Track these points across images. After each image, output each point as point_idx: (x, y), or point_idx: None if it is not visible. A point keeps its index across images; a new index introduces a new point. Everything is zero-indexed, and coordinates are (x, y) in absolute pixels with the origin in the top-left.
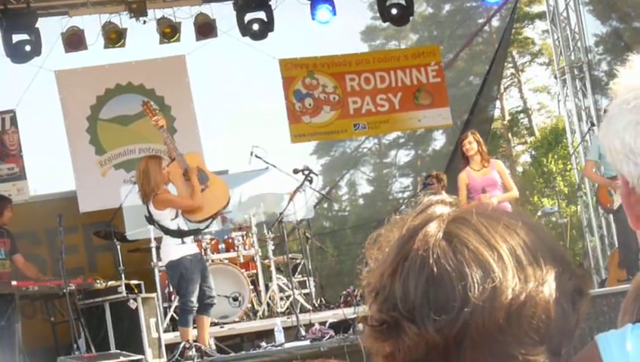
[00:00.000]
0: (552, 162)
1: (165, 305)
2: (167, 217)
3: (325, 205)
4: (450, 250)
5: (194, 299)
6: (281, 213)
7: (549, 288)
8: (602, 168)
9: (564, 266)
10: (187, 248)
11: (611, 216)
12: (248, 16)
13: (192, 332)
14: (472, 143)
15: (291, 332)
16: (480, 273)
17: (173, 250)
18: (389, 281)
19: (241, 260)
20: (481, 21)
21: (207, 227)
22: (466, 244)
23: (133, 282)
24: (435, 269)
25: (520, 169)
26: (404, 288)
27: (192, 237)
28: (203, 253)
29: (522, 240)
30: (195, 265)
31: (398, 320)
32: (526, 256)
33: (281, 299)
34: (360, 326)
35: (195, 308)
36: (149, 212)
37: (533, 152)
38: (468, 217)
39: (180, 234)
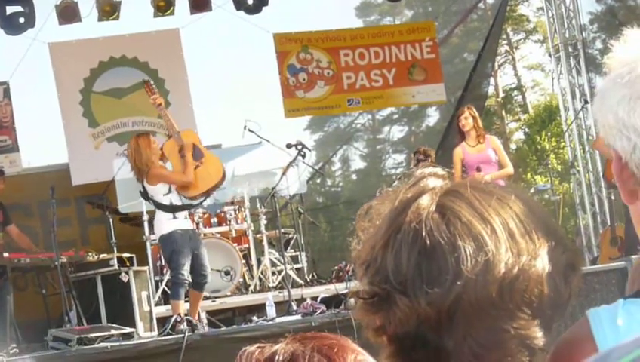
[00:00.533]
0: (546, 140)
1: (157, 278)
2: (159, 192)
3: (318, 180)
4: (443, 222)
5: (184, 272)
6: (273, 188)
7: (541, 262)
8: None
9: (557, 240)
10: (178, 223)
11: (612, 191)
12: None
13: (184, 306)
14: (467, 118)
15: (283, 307)
16: (473, 246)
17: (165, 224)
18: (381, 253)
19: (234, 234)
20: None
21: (200, 203)
22: (459, 217)
23: (125, 255)
24: (427, 242)
25: (513, 146)
26: (396, 260)
27: (185, 212)
28: (195, 227)
29: (515, 213)
30: (185, 240)
31: (390, 293)
32: (519, 230)
33: (273, 273)
34: (351, 300)
35: (187, 282)
36: (143, 188)
37: (526, 130)
38: (461, 190)
39: (172, 209)
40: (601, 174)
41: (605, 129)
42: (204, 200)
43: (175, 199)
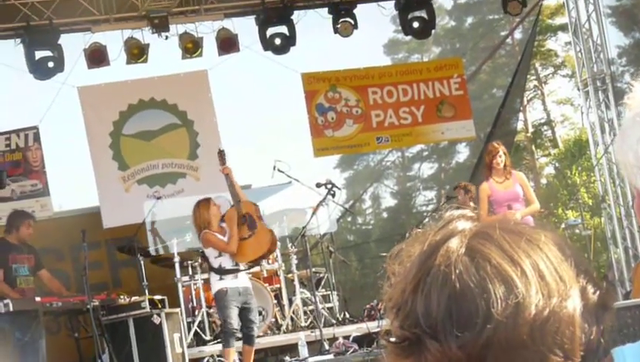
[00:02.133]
0: (576, 174)
1: (189, 319)
2: (211, 255)
3: (349, 219)
4: (473, 265)
5: (232, 322)
6: (304, 227)
7: (572, 303)
8: None
9: (587, 280)
10: (226, 283)
11: None
12: (270, 31)
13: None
14: (502, 157)
15: (315, 347)
16: (503, 289)
17: (215, 284)
18: (411, 297)
19: (265, 274)
20: (503, 33)
21: (250, 268)
22: (488, 260)
23: (157, 297)
24: (457, 285)
25: (544, 181)
26: (426, 304)
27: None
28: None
29: (545, 254)
30: (233, 296)
31: (420, 337)
32: (549, 271)
33: (305, 313)
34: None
35: (235, 330)
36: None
37: (556, 164)
38: (490, 232)
39: (219, 271)
40: (632, 209)
41: (626, 167)
42: (252, 266)
43: (225, 262)
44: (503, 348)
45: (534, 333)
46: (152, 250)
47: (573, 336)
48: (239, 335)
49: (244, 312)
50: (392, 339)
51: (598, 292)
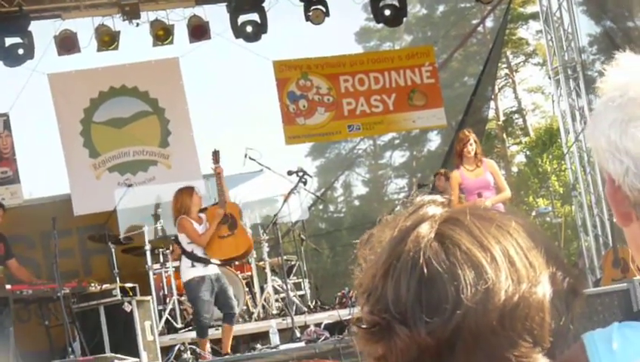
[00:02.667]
0: (547, 162)
1: (160, 307)
2: (184, 240)
3: (321, 206)
4: (443, 251)
5: (206, 315)
6: (275, 215)
7: (542, 289)
8: None
9: (558, 266)
10: (195, 271)
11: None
12: (242, 18)
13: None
14: (472, 145)
15: (286, 334)
16: (472, 274)
17: (185, 272)
18: (381, 283)
19: (236, 262)
20: (475, 22)
21: (221, 265)
22: (458, 245)
23: (128, 285)
24: (426, 270)
25: (515, 169)
26: (396, 290)
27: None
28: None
29: (515, 240)
30: (205, 285)
31: (390, 322)
32: (519, 257)
33: (276, 300)
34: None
35: (207, 323)
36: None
37: (527, 152)
38: (461, 218)
39: (191, 257)
40: (602, 194)
41: (598, 152)
42: (223, 265)
43: (197, 249)
44: (472, 333)
45: (504, 319)
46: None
47: (543, 322)
48: (212, 323)
49: (221, 296)
50: (362, 325)
51: (568, 279)
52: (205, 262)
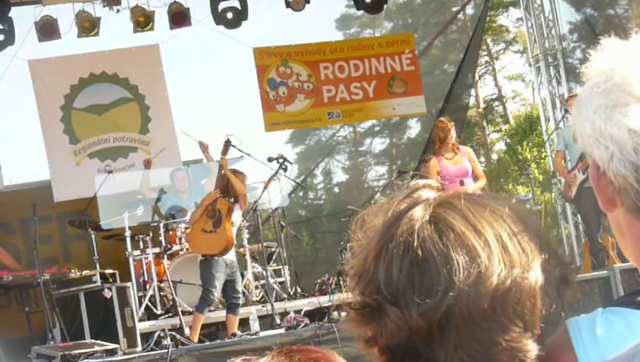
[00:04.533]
0: (527, 150)
1: (140, 294)
2: None
3: (300, 193)
4: (436, 233)
5: (215, 292)
6: (255, 202)
7: (534, 275)
8: (568, 157)
9: (550, 254)
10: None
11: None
12: (222, 5)
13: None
14: (451, 131)
15: (266, 321)
16: (465, 258)
17: None
18: (373, 264)
19: None
20: (455, 9)
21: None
22: (452, 228)
23: (108, 271)
24: (419, 253)
25: (495, 156)
26: (388, 271)
27: None
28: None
29: (509, 226)
30: (218, 266)
31: (381, 304)
32: (512, 242)
33: (256, 287)
34: (335, 313)
35: (212, 302)
36: None
37: (507, 140)
38: (455, 202)
39: None
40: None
41: (583, 137)
42: None
43: None
44: (464, 317)
45: (495, 303)
46: (103, 224)
47: (534, 308)
48: (212, 308)
49: (230, 284)
50: (353, 306)
51: (559, 267)
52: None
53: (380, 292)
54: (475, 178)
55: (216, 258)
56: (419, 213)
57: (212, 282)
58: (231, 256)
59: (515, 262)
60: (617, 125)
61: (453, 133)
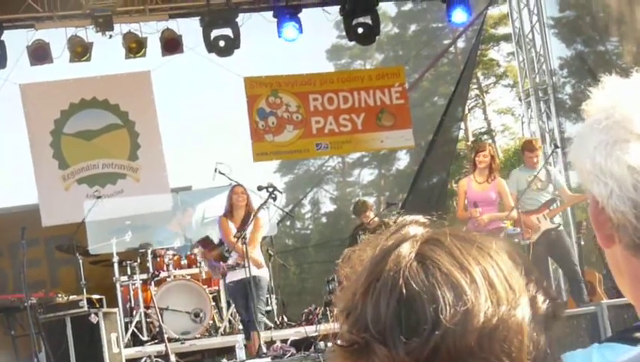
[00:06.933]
0: None
1: (127, 319)
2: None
3: (288, 223)
4: (422, 271)
5: (241, 315)
6: (243, 230)
7: (521, 311)
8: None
9: (538, 289)
10: (231, 275)
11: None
12: (215, 33)
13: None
14: (486, 157)
15: (253, 350)
16: (452, 295)
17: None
18: (361, 301)
19: (203, 276)
20: (446, 42)
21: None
22: (438, 266)
23: (95, 296)
24: (405, 291)
25: None
26: (376, 309)
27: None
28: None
29: (496, 262)
30: (237, 289)
31: (369, 342)
32: (499, 279)
33: None
34: (321, 343)
35: (245, 320)
36: None
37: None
38: (441, 239)
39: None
40: (570, 218)
41: (583, 174)
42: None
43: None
44: (451, 355)
45: (482, 341)
46: (90, 249)
47: (521, 345)
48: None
49: (250, 301)
50: (341, 343)
51: (547, 302)
52: (233, 267)
53: (368, 331)
54: (503, 210)
55: (232, 282)
56: (405, 251)
57: (236, 307)
58: (253, 271)
59: (502, 299)
60: (617, 162)
61: (486, 157)
